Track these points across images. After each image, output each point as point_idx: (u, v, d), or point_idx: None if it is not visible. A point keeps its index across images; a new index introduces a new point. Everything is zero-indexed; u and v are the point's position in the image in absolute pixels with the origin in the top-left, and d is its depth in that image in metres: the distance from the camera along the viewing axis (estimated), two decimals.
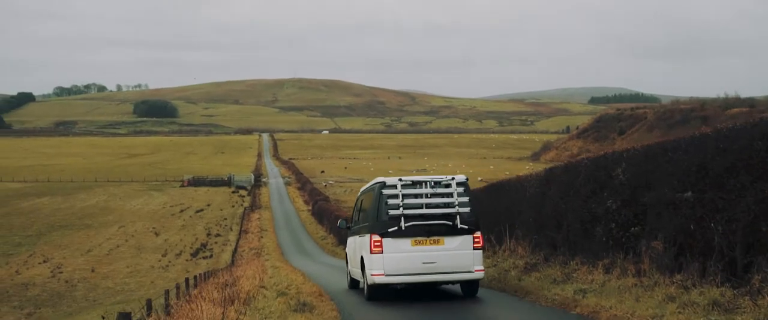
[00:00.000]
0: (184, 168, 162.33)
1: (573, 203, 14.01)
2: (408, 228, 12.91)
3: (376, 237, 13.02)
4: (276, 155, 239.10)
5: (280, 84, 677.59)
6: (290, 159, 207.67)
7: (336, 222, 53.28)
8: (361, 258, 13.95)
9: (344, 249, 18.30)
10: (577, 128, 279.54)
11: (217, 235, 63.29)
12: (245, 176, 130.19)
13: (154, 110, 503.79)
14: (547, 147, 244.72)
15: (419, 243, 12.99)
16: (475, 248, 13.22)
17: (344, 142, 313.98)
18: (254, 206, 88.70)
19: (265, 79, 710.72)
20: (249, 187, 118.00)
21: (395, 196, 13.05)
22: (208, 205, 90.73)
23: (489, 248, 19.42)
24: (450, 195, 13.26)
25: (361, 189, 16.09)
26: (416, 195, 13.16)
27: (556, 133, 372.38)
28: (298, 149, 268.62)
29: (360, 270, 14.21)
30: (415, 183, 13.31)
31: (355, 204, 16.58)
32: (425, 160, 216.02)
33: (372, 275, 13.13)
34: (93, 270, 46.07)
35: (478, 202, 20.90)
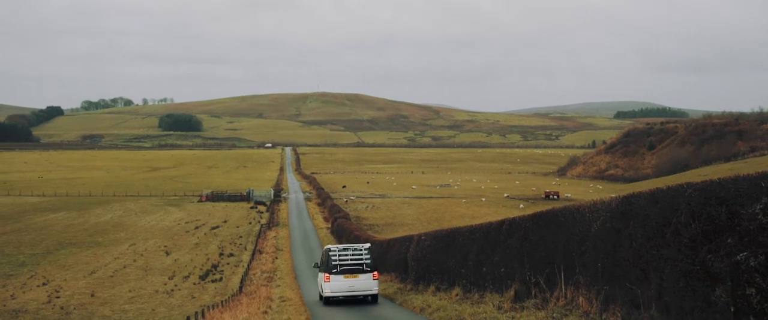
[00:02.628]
0: (205, 182, 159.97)
1: (669, 249, 10.10)
2: (341, 269, 25.48)
3: (327, 274, 25.69)
4: (298, 169, 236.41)
5: (303, 98, 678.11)
6: (312, 173, 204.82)
7: (356, 241, 51.13)
8: (321, 284, 26.53)
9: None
10: (604, 143, 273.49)
11: (230, 255, 59.72)
12: (265, 191, 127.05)
13: (179, 124, 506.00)
14: (573, 162, 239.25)
15: (347, 277, 25.47)
16: (373, 279, 25.74)
17: (367, 156, 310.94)
18: (272, 223, 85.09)
19: (288, 93, 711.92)
20: (268, 203, 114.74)
21: (335, 255, 26.07)
22: (225, 222, 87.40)
23: (537, 294, 15.52)
24: (361, 254, 26.09)
25: (324, 248, 28.62)
26: (346, 254, 26.02)
27: (582, 147, 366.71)
28: (320, 163, 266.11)
29: (321, 290, 26.81)
30: (345, 249, 26.57)
31: (321, 256, 29.45)
32: (449, 175, 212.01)
33: (325, 292, 25.86)
34: (93, 295, 42.59)
35: (523, 234, 17.06)
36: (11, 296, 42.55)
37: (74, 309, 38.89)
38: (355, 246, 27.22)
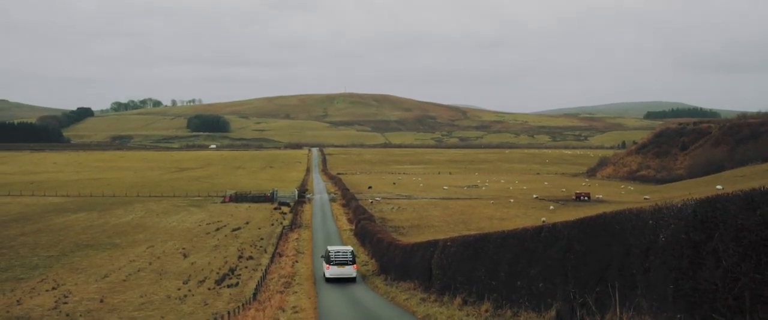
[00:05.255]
0: (230, 183, 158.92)
1: None
2: (336, 262, 41.99)
3: (327, 264, 42.21)
4: (325, 170, 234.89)
5: (330, 99, 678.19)
6: (338, 174, 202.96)
7: (380, 244, 49.12)
8: (324, 269, 42.67)
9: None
10: (635, 143, 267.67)
11: (250, 258, 57.53)
12: (289, 192, 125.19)
13: (207, 125, 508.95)
14: (603, 162, 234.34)
15: (339, 267, 41.80)
16: (353, 269, 42.39)
17: (394, 157, 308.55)
18: (294, 225, 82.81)
19: (316, 94, 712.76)
20: (292, 203, 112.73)
21: (333, 253, 42.88)
22: (247, 223, 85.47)
23: (585, 316, 12.87)
24: (347, 254, 43.14)
25: (327, 247, 46.16)
26: (339, 253, 42.88)
27: (611, 148, 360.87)
28: (347, 163, 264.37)
29: (324, 272, 42.33)
30: (338, 250, 43.60)
31: (324, 252, 44.93)
32: (476, 175, 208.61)
33: (326, 274, 41.80)
34: (102, 301, 40.55)
35: (567, 243, 14.42)
36: (17, 301, 40.70)
37: (80, 316, 36.88)
38: (344, 248, 45.55)
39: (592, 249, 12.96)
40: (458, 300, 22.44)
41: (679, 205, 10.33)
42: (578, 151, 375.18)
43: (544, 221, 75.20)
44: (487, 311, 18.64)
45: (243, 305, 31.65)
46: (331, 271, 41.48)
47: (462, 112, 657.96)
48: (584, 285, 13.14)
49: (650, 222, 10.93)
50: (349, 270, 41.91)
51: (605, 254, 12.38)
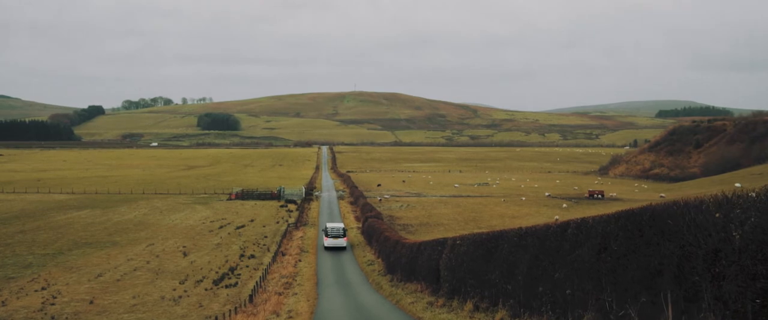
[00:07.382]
0: (238, 180, 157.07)
1: None
2: (331, 235, 59.30)
3: (325, 236, 59.71)
4: (334, 168, 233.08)
5: (340, 97, 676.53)
6: (347, 172, 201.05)
7: (386, 242, 46.93)
8: (323, 241, 59.97)
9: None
10: (647, 141, 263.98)
11: (251, 257, 55.31)
12: (296, 189, 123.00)
13: (218, 123, 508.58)
14: (615, 160, 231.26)
15: (334, 238, 59.05)
16: (345, 240, 59.59)
17: (404, 155, 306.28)
18: (300, 222, 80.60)
19: (325, 93, 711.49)
20: (299, 201, 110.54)
21: (330, 228, 60.23)
22: (252, 221, 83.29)
23: None
24: (340, 229, 60.09)
25: (325, 224, 67.17)
26: (334, 229, 59.99)
27: (622, 146, 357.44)
28: (356, 162, 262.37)
29: (322, 243, 59.97)
30: (334, 227, 60.32)
31: (324, 228, 62.07)
32: (487, 173, 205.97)
33: (324, 245, 59.05)
34: (91, 302, 38.31)
35: (601, 242, 11.98)
36: (2, 302, 38.56)
37: (66, 318, 34.72)
38: (338, 225, 60.32)
39: (636, 249, 10.52)
40: (469, 305, 20.03)
41: (756, 194, 7.90)
42: (589, 150, 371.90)
43: (557, 219, 72.55)
44: None
45: (235, 308, 29.32)
46: (328, 242, 57.12)
47: (472, 111, 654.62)
48: (624, 294, 10.71)
49: (717, 215, 8.50)
50: (341, 242, 57.57)
51: (653, 256, 9.93)
